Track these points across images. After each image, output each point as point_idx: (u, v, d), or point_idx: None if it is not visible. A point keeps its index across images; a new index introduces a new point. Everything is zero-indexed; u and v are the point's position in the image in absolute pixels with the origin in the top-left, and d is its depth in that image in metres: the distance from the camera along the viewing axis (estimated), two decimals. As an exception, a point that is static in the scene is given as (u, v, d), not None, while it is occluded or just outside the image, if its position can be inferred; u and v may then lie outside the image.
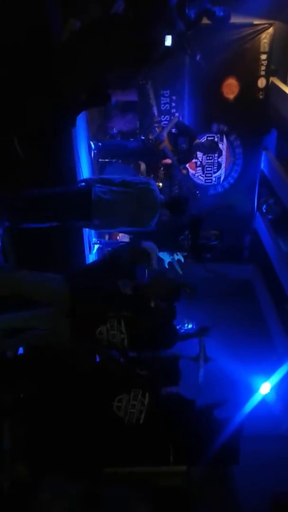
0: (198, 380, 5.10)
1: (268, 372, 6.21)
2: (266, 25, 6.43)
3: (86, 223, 3.84)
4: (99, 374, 3.11)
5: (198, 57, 5.55)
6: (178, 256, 5.17)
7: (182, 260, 5.18)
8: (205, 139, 6.89)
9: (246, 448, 3.24)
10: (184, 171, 6.55)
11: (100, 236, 5.74)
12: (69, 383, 2.98)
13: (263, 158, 7.54)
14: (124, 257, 3.66)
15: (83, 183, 3.93)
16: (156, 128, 5.90)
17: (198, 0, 4.78)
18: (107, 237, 6.02)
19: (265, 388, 6.03)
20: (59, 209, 3.54)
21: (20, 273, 3.29)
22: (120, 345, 3.03)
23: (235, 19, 5.92)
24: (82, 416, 2.88)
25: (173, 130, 5.89)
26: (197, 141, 5.97)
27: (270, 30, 6.45)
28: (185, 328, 5.58)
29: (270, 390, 6.06)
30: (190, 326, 5.62)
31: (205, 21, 5.36)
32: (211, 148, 6.54)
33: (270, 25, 6.42)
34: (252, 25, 6.44)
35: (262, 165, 7.59)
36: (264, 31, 6.46)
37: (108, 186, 3.64)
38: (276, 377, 6.09)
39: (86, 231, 5.12)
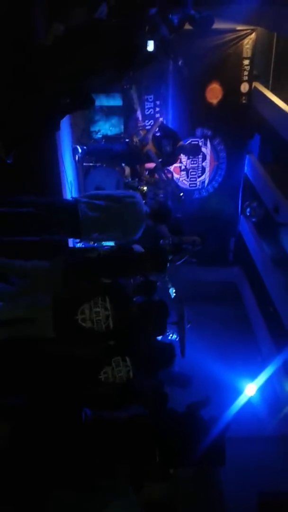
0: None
1: (253, 374, 6.26)
2: (248, 31, 6.50)
3: (74, 238, 3.89)
4: None
5: (180, 63, 5.59)
6: (170, 289, 5.26)
7: (173, 294, 5.26)
8: (189, 142, 6.94)
9: (231, 450, 3.26)
10: (169, 175, 6.58)
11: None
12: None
13: (246, 162, 7.62)
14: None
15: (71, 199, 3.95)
16: (141, 131, 5.91)
17: (182, 6, 4.82)
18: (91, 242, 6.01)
19: (250, 389, 6.08)
20: (45, 228, 3.56)
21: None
22: (104, 323, 2.95)
23: (218, 25, 5.98)
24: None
25: (157, 133, 5.92)
26: (181, 143, 6.00)
27: (253, 36, 6.53)
28: (169, 338, 5.62)
29: (255, 391, 6.11)
30: (174, 336, 5.66)
31: (188, 26, 5.43)
32: (195, 150, 6.56)
33: (253, 31, 6.49)
34: (235, 30, 6.50)
35: (245, 169, 7.66)
36: (246, 36, 6.53)
37: (94, 201, 3.67)
38: (261, 378, 6.14)
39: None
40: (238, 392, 6.04)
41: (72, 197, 4.03)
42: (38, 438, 2.77)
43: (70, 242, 4.90)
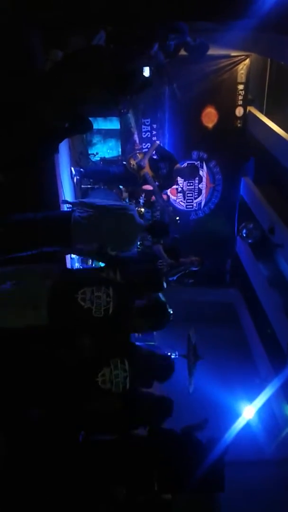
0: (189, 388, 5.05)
1: (251, 396, 6.20)
2: (243, 57, 6.65)
3: (66, 248, 3.85)
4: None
5: (175, 87, 5.70)
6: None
7: (164, 285, 5.20)
8: (185, 165, 7.03)
9: (230, 475, 3.22)
10: (165, 197, 6.63)
11: (83, 262, 5.74)
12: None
13: (242, 184, 7.70)
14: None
15: (64, 204, 3.95)
16: (138, 154, 5.97)
17: (180, 33, 4.96)
18: (90, 261, 6.01)
19: (248, 412, 6.01)
20: (38, 233, 3.55)
21: None
22: (104, 306, 2.84)
23: (213, 51, 6.14)
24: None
25: (154, 156, 5.99)
26: (178, 166, 6.07)
27: (247, 61, 6.68)
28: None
29: (254, 414, 6.04)
30: (173, 356, 5.62)
31: (184, 52, 5.56)
32: (193, 172, 6.64)
33: (247, 56, 6.65)
34: (229, 56, 6.66)
35: (241, 191, 7.74)
36: (241, 62, 6.67)
37: (88, 210, 3.67)
38: (260, 401, 6.08)
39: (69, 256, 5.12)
40: (236, 415, 5.97)
41: (67, 203, 3.99)
42: (34, 459, 2.74)
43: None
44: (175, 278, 5.35)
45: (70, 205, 3.86)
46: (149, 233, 4.02)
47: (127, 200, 6.32)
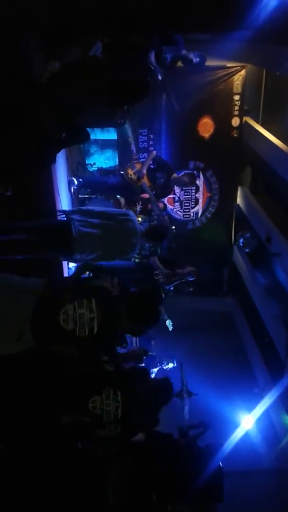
0: (183, 416, 5.03)
1: (249, 406, 6.18)
2: (238, 68, 6.72)
3: (67, 257, 3.84)
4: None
5: (171, 98, 5.77)
6: (167, 321, 5.24)
7: (163, 295, 5.20)
8: (182, 174, 7.07)
9: (229, 485, 3.19)
10: (161, 205, 6.66)
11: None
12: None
13: (239, 193, 7.74)
14: None
15: (62, 215, 3.94)
16: (136, 164, 6.00)
17: (175, 46, 5.02)
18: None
19: (247, 422, 5.98)
20: (38, 243, 3.52)
21: None
22: (88, 325, 2.63)
23: (209, 62, 6.22)
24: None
25: (151, 165, 6.02)
26: (175, 175, 6.10)
27: (243, 72, 6.75)
28: (166, 368, 5.57)
29: (252, 424, 6.01)
30: (170, 365, 5.61)
31: (181, 63, 5.63)
32: (190, 180, 6.67)
33: (243, 67, 6.72)
34: (225, 67, 6.73)
35: (238, 200, 7.78)
36: (237, 73, 6.75)
37: (87, 218, 3.66)
38: (258, 410, 6.06)
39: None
40: (234, 425, 5.94)
41: (65, 213, 3.97)
42: (27, 472, 2.71)
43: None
44: (171, 287, 5.35)
45: (67, 215, 3.83)
46: (148, 238, 4.00)
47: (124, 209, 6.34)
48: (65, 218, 3.78)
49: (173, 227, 6.85)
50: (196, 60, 5.59)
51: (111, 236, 3.66)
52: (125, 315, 2.76)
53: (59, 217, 4.34)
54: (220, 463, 3.14)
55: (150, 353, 5.34)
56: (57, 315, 2.59)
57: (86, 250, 3.58)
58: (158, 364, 5.68)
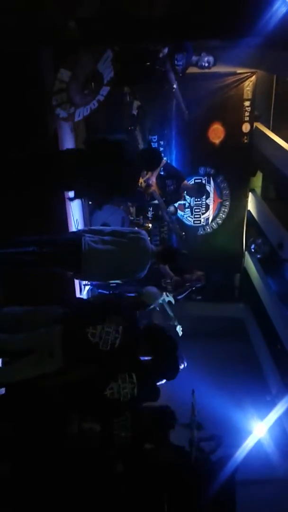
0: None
1: (262, 413, 6.10)
2: (249, 74, 6.72)
3: (76, 273, 3.79)
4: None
5: (182, 105, 5.79)
6: (169, 298, 5.14)
7: (173, 301, 5.14)
8: (192, 181, 7.06)
9: (241, 495, 3.15)
10: (172, 208, 6.65)
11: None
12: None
13: (250, 199, 7.71)
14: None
15: (73, 233, 3.95)
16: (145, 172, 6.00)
17: (185, 53, 5.06)
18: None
19: (259, 429, 5.90)
20: (47, 257, 3.51)
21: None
22: (113, 341, 2.98)
23: (219, 68, 6.23)
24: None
25: (161, 172, 6.02)
26: (185, 182, 6.10)
27: (253, 78, 6.74)
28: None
29: (265, 432, 5.93)
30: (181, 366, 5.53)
31: (191, 70, 5.64)
32: (200, 191, 6.68)
33: (253, 73, 6.71)
34: (235, 73, 6.73)
35: (249, 206, 7.75)
36: (247, 79, 6.74)
37: (99, 236, 3.62)
38: (271, 418, 5.98)
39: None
40: (246, 433, 5.86)
41: (76, 231, 4.00)
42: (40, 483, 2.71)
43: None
44: (182, 296, 5.31)
45: (78, 233, 3.83)
46: (158, 259, 3.92)
47: (134, 216, 6.34)
48: (75, 234, 3.77)
49: (183, 233, 6.83)
50: (207, 64, 5.60)
51: (121, 253, 3.60)
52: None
53: (70, 225, 4.36)
54: (233, 475, 3.11)
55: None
56: (87, 329, 2.96)
57: (95, 267, 3.54)
58: None
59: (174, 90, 5.36)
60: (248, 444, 5.45)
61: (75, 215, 5.30)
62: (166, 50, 5.06)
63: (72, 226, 5.11)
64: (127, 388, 2.98)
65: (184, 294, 5.19)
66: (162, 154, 5.52)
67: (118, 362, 3.01)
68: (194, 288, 5.22)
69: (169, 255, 4.00)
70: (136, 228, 5.48)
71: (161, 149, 6.90)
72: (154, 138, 6.88)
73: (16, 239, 3.49)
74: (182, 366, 5.36)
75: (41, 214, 4.28)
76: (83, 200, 5.31)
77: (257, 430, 5.91)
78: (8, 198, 3.85)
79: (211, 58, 5.62)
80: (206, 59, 5.59)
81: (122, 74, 4.49)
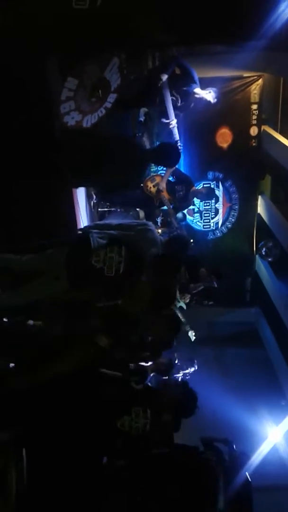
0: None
1: (277, 418, 6.04)
2: (255, 77, 6.71)
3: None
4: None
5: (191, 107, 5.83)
6: (180, 303, 5.12)
7: (184, 307, 5.11)
8: (201, 186, 7.05)
9: (259, 501, 3.11)
10: (180, 215, 6.63)
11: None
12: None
13: (259, 202, 7.68)
14: None
15: (80, 232, 3.95)
16: (155, 177, 6.02)
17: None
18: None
19: (275, 435, 5.85)
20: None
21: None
22: (116, 266, 3.04)
23: (225, 73, 6.27)
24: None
25: (171, 178, 6.03)
26: (194, 188, 6.09)
27: (260, 81, 6.74)
28: (187, 373, 5.46)
29: (280, 437, 5.87)
30: (191, 370, 5.50)
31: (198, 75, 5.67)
32: (209, 195, 6.65)
33: (259, 77, 6.71)
34: (242, 77, 6.73)
35: (258, 209, 7.71)
36: (254, 82, 6.74)
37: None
38: (286, 423, 5.92)
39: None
40: (262, 438, 5.81)
41: (83, 228, 4.02)
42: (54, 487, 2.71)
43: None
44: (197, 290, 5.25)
45: (85, 230, 3.84)
46: (168, 249, 3.93)
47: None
48: (82, 233, 3.77)
49: (192, 240, 6.81)
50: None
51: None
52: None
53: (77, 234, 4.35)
54: (249, 479, 3.07)
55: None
56: (90, 257, 3.06)
57: None
58: (180, 370, 5.60)
59: (161, 83, 5.37)
60: (264, 449, 5.40)
61: (85, 222, 5.31)
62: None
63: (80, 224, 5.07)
64: (140, 423, 2.87)
65: (195, 292, 5.11)
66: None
67: (121, 289, 3.06)
68: (207, 288, 5.15)
69: (178, 244, 4.06)
70: (143, 220, 5.46)
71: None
72: (162, 144, 6.88)
73: (22, 245, 3.53)
74: (193, 369, 5.33)
75: (50, 221, 4.29)
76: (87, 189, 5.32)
77: (272, 435, 5.86)
78: (15, 198, 3.88)
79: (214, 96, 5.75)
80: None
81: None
